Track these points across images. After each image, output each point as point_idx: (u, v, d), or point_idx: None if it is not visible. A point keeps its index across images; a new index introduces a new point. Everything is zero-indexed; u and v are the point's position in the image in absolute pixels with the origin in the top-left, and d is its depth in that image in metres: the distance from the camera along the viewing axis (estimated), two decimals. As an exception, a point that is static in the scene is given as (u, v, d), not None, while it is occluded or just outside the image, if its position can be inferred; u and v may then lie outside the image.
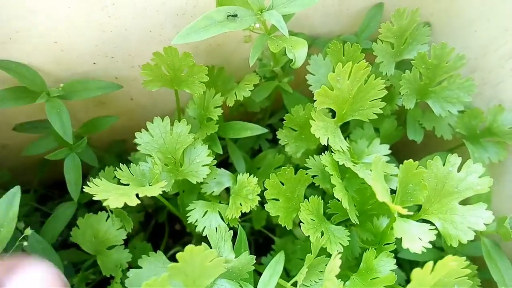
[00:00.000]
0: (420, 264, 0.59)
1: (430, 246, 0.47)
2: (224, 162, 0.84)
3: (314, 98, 0.56)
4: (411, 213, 0.49)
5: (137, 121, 0.83)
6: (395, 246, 0.58)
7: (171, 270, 0.43)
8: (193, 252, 0.43)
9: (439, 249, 0.70)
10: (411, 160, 0.52)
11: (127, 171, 0.58)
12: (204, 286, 0.46)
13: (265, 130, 0.71)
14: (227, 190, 0.76)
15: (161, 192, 0.52)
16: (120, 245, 0.65)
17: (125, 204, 0.87)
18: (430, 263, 0.45)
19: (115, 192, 0.49)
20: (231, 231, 0.59)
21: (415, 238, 0.48)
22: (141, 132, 0.63)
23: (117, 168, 0.57)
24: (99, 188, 0.49)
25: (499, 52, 0.70)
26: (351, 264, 0.67)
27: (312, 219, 0.58)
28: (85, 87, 0.68)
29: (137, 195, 0.49)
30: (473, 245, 0.69)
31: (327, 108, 0.66)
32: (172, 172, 0.63)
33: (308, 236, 0.62)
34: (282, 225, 0.61)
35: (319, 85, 0.67)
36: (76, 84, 0.68)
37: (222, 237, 0.58)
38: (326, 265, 0.56)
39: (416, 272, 0.45)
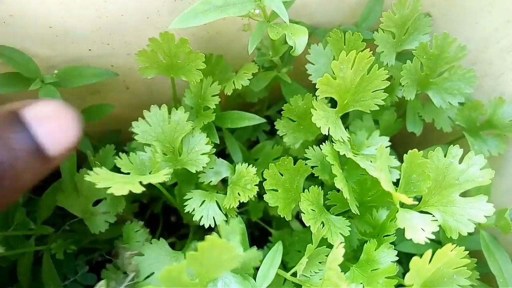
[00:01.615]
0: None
1: (433, 236, 0.46)
2: (221, 154, 0.83)
3: (316, 87, 0.55)
4: (416, 202, 0.48)
5: (133, 110, 0.81)
6: (395, 237, 0.58)
7: (189, 258, 0.42)
8: (214, 244, 0.41)
9: (437, 242, 0.70)
10: (415, 150, 0.51)
11: (126, 159, 0.57)
12: (214, 278, 0.45)
13: (263, 120, 0.70)
14: (224, 181, 0.75)
15: (162, 181, 0.51)
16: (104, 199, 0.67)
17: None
18: (429, 251, 0.45)
19: (117, 180, 0.47)
20: (243, 225, 0.58)
21: (418, 228, 0.47)
22: (137, 121, 0.61)
23: (116, 157, 0.56)
24: (101, 177, 0.47)
25: (500, 44, 0.70)
26: (349, 256, 0.67)
27: (312, 210, 0.58)
28: (80, 73, 0.67)
29: (140, 183, 0.48)
30: (471, 238, 0.69)
31: (326, 99, 0.65)
32: (171, 161, 0.62)
33: (306, 228, 0.61)
34: (281, 216, 0.60)
35: (319, 74, 0.66)
36: (71, 70, 0.67)
37: (233, 229, 0.56)
38: (326, 255, 0.56)
39: (415, 261, 0.44)
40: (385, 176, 0.47)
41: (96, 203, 0.68)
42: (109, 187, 0.45)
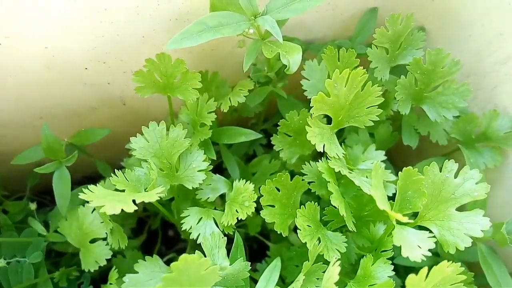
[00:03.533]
0: (415, 270, 0.59)
1: (429, 254, 0.46)
2: (218, 167, 0.83)
3: (311, 105, 0.55)
4: (411, 221, 0.48)
5: (129, 126, 0.82)
6: (393, 253, 0.58)
7: (165, 280, 0.42)
8: (187, 261, 0.42)
9: (435, 255, 0.70)
10: (410, 167, 0.51)
11: (122, 177, 0.57)
12: (199, 296, 0.45)
13: (260, 136, 0.70)
14: (221, 196, 0.75)
15: (155, 200, 0.51)
16: (103, 239, 0.67)
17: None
18: (425, 269, 0.45)
19: (111, 198, 0.48)
20: (225, 238, 0.59)
21: (414, 246, 0.47)
22: (134, 136, 0.62)
23: (111, 174, 0.56)
24: (94, 195, 0.48)
25: (494, 56, 0.70)
26: (348, 271, 0.67)
27: (308, 226, 0.58)
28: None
29: (134, 201, 0.48)
30: (469, 250, 0.68)
31: (323, 115, 0.66)
32: (168, 178, 0.62)
33: (305, 242, 0.61)
34: (278, 232, 0.60)
35: (314, 90, 0.67)
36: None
37: (216, 244, 0.57)
38: (323, 272, 0.56)
39: (410, 279, 0.44)
40: (380, 194, 0.47)
41: (95, 241, 0.68)
42: (102, 206, 0.45)
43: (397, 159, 0.84)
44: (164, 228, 0.99)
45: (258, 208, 0.67)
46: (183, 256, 0.42)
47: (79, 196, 0.47)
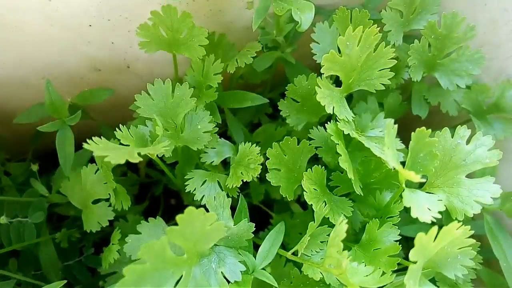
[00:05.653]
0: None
1: (439, 216, 0.45)
2: (221, 136, 0.82)
3: (322, 64, 0.53)
4: (424, 180, 0.47)
5: (133, 91, 0.80)
6: (399, 219, 0.57)
7: (170, 233, 0.41)
8: (193, 215, 0.41)
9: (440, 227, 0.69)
10: (423, 128, 0.50)
11: (126, 132, 0.56)
12: (203, 251, 0.44)
13: (266, 100, 0.69)
14: (225, 164, 0.74)
15: (163, 153, 0.50)
16: (106, 200, 0.65)
17: (120, 175, 0.86)
18: (435, 228, 0.43)
19: (116, 149, 0.46)
20: (230, 198, 0.57)
21: (424, 208, 0.46)
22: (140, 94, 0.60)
23: (116, 129, 0.55)
24: (99, 146, 0.46)
25: (509, 25, 0.68)
26: (351, 239, 0.66)
27: (315, 189, 0.57)
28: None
29: (139, 154, 0.47)
30: (474, 223, 0.68)
31: (331, 79, 0.64)
32: (173, 138, 0.60)
33: (307, 210, 0.59)
34: (283, 196, 0.59)
35: (324, 54, 0.65)
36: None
37: (221, 204, 0.56)
38: (328, 235, 0.55)
39: (420, 237, 0.43)
40: (393, 153, 0.46)
41: (97, 202, 0.66)
42: (106, 156, 0.44)
43: (403, 133, 0.82)
44: (166, 197, 0.99)
45: (261, 177, 0.66)
46: (189, 208, 0.41)
47: (84, 147, 0.46)
